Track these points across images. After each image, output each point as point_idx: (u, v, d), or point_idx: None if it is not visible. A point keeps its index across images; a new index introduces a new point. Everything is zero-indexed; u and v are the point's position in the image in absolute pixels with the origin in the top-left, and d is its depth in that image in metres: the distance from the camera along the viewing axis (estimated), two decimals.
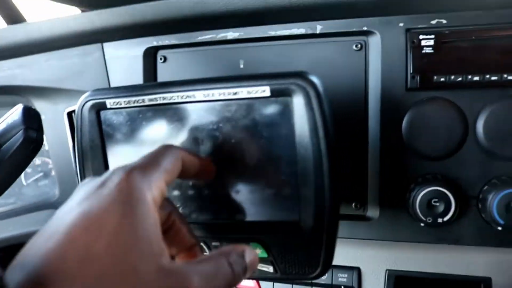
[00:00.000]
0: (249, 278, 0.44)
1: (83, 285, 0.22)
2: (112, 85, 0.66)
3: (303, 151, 0.39)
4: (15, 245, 0.65)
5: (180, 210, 0.44)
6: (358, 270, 0.55)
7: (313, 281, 0.55)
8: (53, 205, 0.69)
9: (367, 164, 0.54)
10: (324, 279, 0.55)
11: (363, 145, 0.54)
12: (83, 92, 0.64)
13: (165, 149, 0.33)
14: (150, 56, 0.64)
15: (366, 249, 0.55)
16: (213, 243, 0.43)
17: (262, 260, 0.42)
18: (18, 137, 0.46)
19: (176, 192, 0.44)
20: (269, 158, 0.41)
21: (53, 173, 0.71)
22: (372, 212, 0.54)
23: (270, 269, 0.42)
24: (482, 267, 0.52)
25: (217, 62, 0.61)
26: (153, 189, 0.28)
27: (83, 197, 0.26)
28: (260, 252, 0.42)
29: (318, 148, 0.39)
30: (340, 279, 0.55)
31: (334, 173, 0.39)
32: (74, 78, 0.68)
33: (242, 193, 0.42)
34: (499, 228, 0.48)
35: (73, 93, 0.68)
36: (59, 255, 0.23)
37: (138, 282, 0.24)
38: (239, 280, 0.30)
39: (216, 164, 0.41)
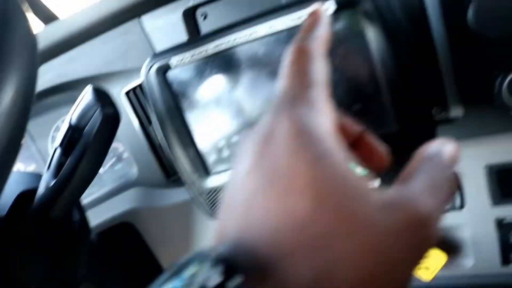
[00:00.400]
0: None
1: (311, 251, 0.20)
2: None
3: (379, 60, 0.38)
4: (116, 226, 0.68)
5: None
6: (455, 172, 0.53)
7: None
8: (135, 183, 0.71)
9: (439, 64, 0.51)
10: None
11: (430, 43, 0.51)
12: (134, 71, 0.65)
13: (301, 57, 0.26)
14: (190, 17, 0.63)
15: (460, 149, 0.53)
16: None
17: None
18: (96, 117, 0.47)
19: None
20: (348, 77, 0.40)
21: (125, 155, 0.72)
22: (456, 111, 0.51)
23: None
24: None
25: (259, 4, 0.59)
26: (325, 118, 0.23)
27: (257, 159, 0.22)
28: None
29: (390, 56, 0.37)
30: None
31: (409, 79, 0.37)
32: (121, 58, 0.68)
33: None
34: None
35: (124, 74, 0.68)
36: (271, 230, 0.20)
37: (367, 231, 0.20)
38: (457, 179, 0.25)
39: None
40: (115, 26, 0.68)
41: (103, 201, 0.67)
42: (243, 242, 0.21)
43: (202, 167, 0.46)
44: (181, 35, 0.63)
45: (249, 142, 0.24)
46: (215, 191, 0.46)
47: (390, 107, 0.39)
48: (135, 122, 0.66)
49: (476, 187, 0.53)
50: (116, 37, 0.68)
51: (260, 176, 0.22)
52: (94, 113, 0.48)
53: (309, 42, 0.26)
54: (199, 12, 0.63)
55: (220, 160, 0.46)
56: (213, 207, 0.47)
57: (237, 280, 0.19)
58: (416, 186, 0.22)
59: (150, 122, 0.63)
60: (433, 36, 0.50)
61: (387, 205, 0.21)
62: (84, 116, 0.48)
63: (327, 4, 0.38)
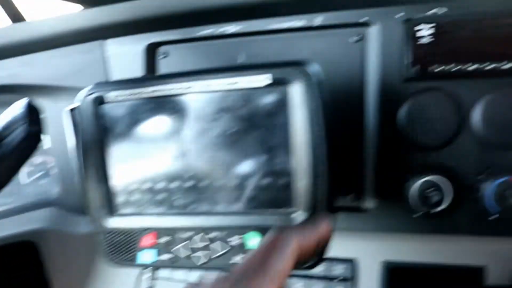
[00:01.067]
0: None
1: None
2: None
3: (299, 140, 0.40)
4: (16, 243, 0.65)
5: (179, 201, 0.44)
6: (353, 262, 0.55)
7: (309, 273, 0.55)
8: (54, 202, 0.69)
9: (364, 155, 0.54)
10: (320, 271, 0.55)
11: (360, 136, 0.54)
12: (82, 89, 0.65)
13: (275, 247, 0.31)
14: (151, 52, 0.65)
15: (362, 240, 0.55)
16: (211, 234, 0.44)
17: None
18: (20, 131, 0.47)
19: (175, 184, 0.44)
20: (266, 148, 0.41)
21: (52, 172, 0.71)
22: (369, 203, 0.54)
23: None
24: (477, 256, 0.52)
25: (218, 56, 0.61)
26: None
27: None
28: (257, 242, 0.43)
29: (314, 137, 0.39)
30: (335, 271, 0.55)
31: (329, 163, 0.39)
32: (75, 75, 0.68)
33: (239, 184, 0.42)
34: (495, 217, 0.48)
35: (74, 91, 0.68)
36: None
37: None
38: None
39: (214, 156, 0.41)
40: (77, 42, 0.69)
41: (14, 214, 0.65)
42: None
43: (108, 206, 0.46)
44: (138, 68, 0.65)
45: None
46: (114, 232, 0.47)
47: (303, 191, 0.40)
48: (70, 142, 0.65)
49: (370, 280, 0.54)
50: (76, 53, 0.69)
51: None
52: (20, 126, 0.48)
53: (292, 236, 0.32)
54: (161, 49, 0.65)
55: (127, 203, 0.46)
56: (110, 248, 0.47)
57: None
58: None
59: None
60: (365, 128, 0.53)
61: None
62: (9, 126, 0.48)
63: (262, 77, 0.40)
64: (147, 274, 0.54)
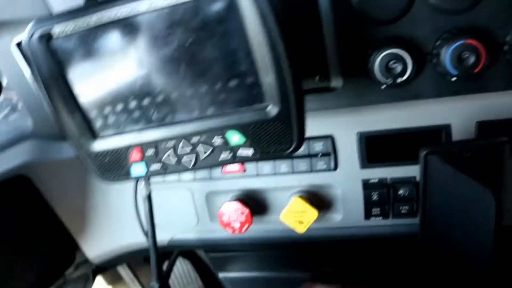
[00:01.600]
0: (232, 163, 0.47)
1: None
2: (52, 8, 0.63)
3: (256, 39, 0.40)
4: (8, 180, 0.67)
5: (155, 115, 0.46)
6: (331, 137, 0.59)
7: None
8: (30, 135, 0.69)
9: (323, 36, 0.55)
10: (302, 150, 0.59)
11: (317, 19, 0.54)
12: (24, 21, 0.61)
13: None
14: None
15: (336, 117, 0.58)
16: (193, 139, 0.46)
17: (242, 145, 0.46)
18: None
19: (146, 100, 0.45)
20: (226, 53, 0.42)
21: (19, 106, 0.70)
22: (336, 82, 0.56)
23: (250, 151, 0.46)
24: (441, 116, 0.56)
25: None
26: None
27: None
28: (238, 138, 0.45)
29: (270, 33, 0.39)
30: (316, 148, 0.59)
31: (291, 53, 0.40)
32: (9, 6, 0.64)
33: (209, 89, 0.43)
34: (454, 79, 0.51)
35: (14, 24, 0.64)
36: None
37: None
38: None
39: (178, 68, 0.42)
40: None
41: None
42: None
43: (89, 131, 0.47)
44: None
45: None
46: (102, 154, 0.48)
47: (270, 84, 0.42)
48: (27, 75, 0.63)
49: (349, 151, 0.59)
50: None
51: None
52: None
53: None
54: None
55: (105, 126, 0.47)
56: (101, 169, 0.49)
57: None
58: None
59: None
60: (320, 11, 0.53)
61: None
62: None
63: None
64: (142, 183, 0.57)
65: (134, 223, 0.72)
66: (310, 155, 0.60)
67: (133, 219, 0.71)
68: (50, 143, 0.69)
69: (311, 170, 0.60)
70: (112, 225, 0.75)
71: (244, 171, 0.62)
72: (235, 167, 0.61)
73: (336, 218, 0.63)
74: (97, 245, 0.78)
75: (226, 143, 0.46)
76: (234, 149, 0.46)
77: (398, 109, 0.57)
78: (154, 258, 0.60)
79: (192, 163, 0.47)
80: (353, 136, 0.59)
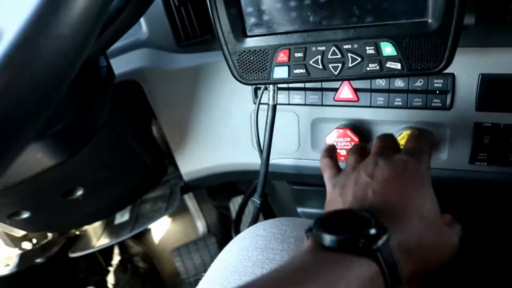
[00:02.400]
0: (377, 75, 0.48)
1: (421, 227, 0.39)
2: None
3: None
4: (119, 83, 0.69)
5: (311, 17, 0.46)
6: (452, 75, 0.59)
7: (410, 87, 0.60)
8: (144, 43, 0.71)
9: None
10: (420, 85, 0.59)
11: None
12: None
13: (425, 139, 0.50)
14: None
15: (461, 56, 0.57)
16: (345, 46, 0.47)
17: (392, 58, 0.46)
18: None
19: (308, 1, 0.46)
20: None
21: None
22: (469, 19, 0.56)
23: (398, 66, 0.47)
24: None
25: None
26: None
27: (398, 172, 0.43)
28: (390, 50, 0.46)
29: None
30: (435, 84, 0.59)
31: None
32: None
33: None
34: None
35: None
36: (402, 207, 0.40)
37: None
38: None
39: None
40: None
41: (111, 57, 0.67)
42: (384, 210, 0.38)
43: (240, 28, 0.48)
44: None
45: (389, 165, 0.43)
46: (247, 52, 0.49)
47: None
48: None
49: (467, 92, 0.59)
50: None
51: (402, 179, 0.42)
52: None
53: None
54: None
55: (258, 24, 0.48)
56: (243, 68, 0.50)
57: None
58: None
59: None
60: None
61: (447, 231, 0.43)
62: None
63: None
64: (270, 92, 0.57)
65: (234, 144, 0.74)
66: (428, 91, 0.60)
67: (233, 140, 0.73)
68: (163, 53, 0.71)
69: (425, 107, 0.61)
70: (210, 143, 0.77)
71: (358, 100, 0.62)
72: (349, 94, 0.62)
73: (441, 158, 0.63)
74: (192, 162, 0.80)
75: (376, 53, 0.46)
76: (382, 61, 0.47)
77: None
78: (263, 173, 0.61)
79: (338, 70, 0.48)
80: (475, 77, 0.58)
